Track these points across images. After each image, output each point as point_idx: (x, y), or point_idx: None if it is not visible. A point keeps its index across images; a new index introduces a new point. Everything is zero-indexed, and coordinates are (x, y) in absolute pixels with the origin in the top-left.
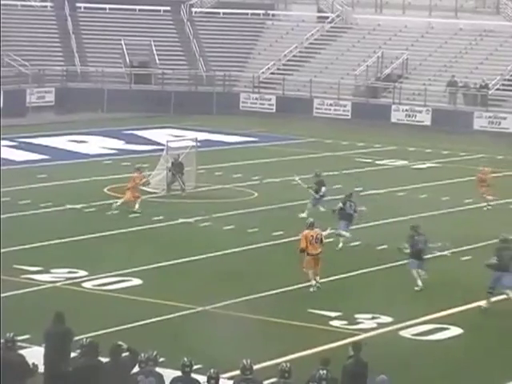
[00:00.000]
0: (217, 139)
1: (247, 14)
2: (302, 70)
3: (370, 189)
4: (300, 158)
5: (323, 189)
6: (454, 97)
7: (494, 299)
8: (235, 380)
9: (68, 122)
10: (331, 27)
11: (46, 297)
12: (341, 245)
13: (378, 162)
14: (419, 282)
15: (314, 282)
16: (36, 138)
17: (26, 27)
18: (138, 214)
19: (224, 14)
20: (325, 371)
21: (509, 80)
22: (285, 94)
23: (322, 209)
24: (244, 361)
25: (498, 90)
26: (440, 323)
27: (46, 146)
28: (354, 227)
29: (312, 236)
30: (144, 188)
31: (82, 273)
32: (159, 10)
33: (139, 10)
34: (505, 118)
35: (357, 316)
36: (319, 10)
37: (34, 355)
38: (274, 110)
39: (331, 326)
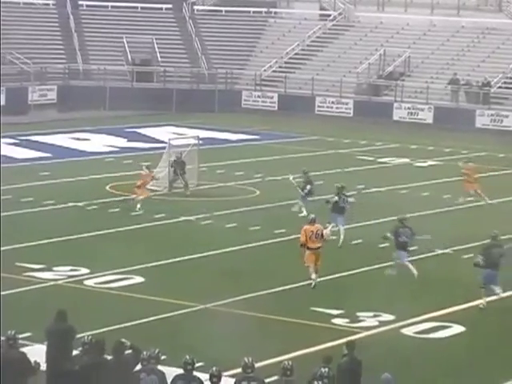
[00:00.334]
0: (219, 137)
1: (249, 11)
2: (304, 68)
3: (371, 187)
4: (302, 155)
5: (308, 187)
6: (456, 95)
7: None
8: (237, 378)
9: (70, 120)
10: (333, 25)
11: (48, 294)
12: (341, 241)
13: (379, 160)
14: (414, 270)
15: (314, 276)
16: (38, 135)
17: (27, 25)
18: (139, 212)
19: (226, 11)
20: (326, 369)
21: (511, 78)
22: (287, 91)
23: (303, 209)
24: (245, 359)
25: (500, 87)
26: (442, 321)
27: (48, 144)
28: (355, 225)
29: (312, 231)
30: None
31: (84, 270)
32: (161, 8)
33: (141, 8)
34: (507, 116)
35: (359, 314)
36: (321, 8)
37: (36, 353)
38: (276, 108)
39: (333, 324)
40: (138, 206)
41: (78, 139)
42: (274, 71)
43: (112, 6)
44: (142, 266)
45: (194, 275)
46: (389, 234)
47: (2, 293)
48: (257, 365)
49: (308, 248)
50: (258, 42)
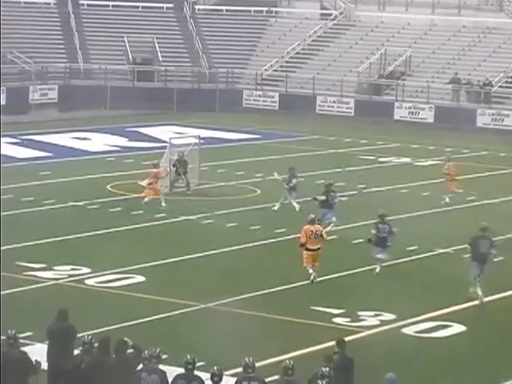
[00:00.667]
0: (220, 136)
1: (250, 11)
2: (305, 68)
3: (372, 186)
4: (303, 155)
5: (294, 181)
6: (457, 94)
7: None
8: (237, 378)
9: (71, 119)
10: (334, 24)
11: (49, 294)
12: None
13: (380, 160)
14: (378, 269)
15: (311, 271)
16: (39, 135)
17: (28, 24)
18: (141, 212)
19: (227, 11)
20: (327, 368)
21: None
22: (288, 91)
23: (294, 204)
24: (246, 359)
25: (500, 87)
26: (443, 320)
27: (49, 143)
28: (355, 225)
29: (311, 231)
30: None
31: (85, 270)
32: (162, 7)
33: (142, 7)
34: (508, 116)
35: (360, 313)
36: (322, 8)
37: (37, 352)
38: (277, 107)
39: (334, 323)
40: (146, 199)
41: (79, 139)
42: (274, 70)
43: (113, 6)
44: (142, 266)
45: (194, 274)
46: (374, 231)
47: (3, 292)
48: (257, 364)
49: (307, 249)
50: (259, 42)
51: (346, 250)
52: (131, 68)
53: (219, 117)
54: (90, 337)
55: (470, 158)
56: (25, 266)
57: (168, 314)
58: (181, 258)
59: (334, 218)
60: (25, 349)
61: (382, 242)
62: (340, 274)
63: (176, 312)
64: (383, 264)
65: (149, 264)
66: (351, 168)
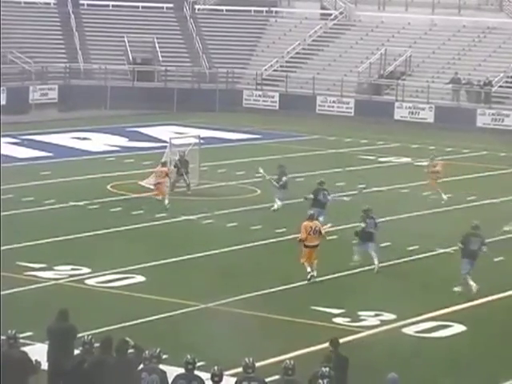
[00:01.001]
0: (220, 136)
1: (250, 11)
2: (305, 68)
3: (373, 186)
4: (303, 155)
5: (284, 178)
6: (457, 94)
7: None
8: (238, 378)
9: (71, 119)
10: (334, 24)
11: (49, 294)
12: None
13: (380, 159)
14: (356, 257)
15: (309, 269)
16: (39, 135)
17: (28, 24)
18: (141, 211)
19: (227, 11)
20: (327, 368)
21: None
22: (288, 91)
23: (278, 203)
24: (246, 359)
25: (501, 87)
26: (443, 320)
27: (49, 143)
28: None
29: (311, 227)
30: (147, 185)
31: (85, 270)
32: (162, 7)
33: (142, 7)
34: (508, 116)
35: (360, 313)
36: (322, 8)
37: (37, 352)
38: (277, 107)
39: (334, 323)
40: (166, 201)
41: (79, 139)
42: (274, 70)
43: (113, 5)
44: (143, 266)
45: (194, 274)
46: (363, 224)
47: (3, 292)
48: (258, 364)
49: (305, 245)
50: (259, 42)
51: (346, 250)
52: (131, 68)
53: (219, 117)
54: (89, 337)
55: (470, 157)
56: (25, 265)
57: (168, 314)
58: (181, 257)
59: (321, 218)
60: (25, 349)
61: (370, 237)
62: (340, 274)
63: (176, 312)
64: (381, 264)
65: (149, 264)
66: (351, 168)
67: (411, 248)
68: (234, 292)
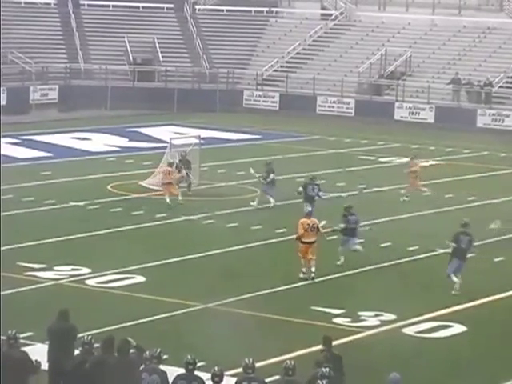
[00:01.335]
0: (220, 137)
1: (250, 11)
2: (306, 68)
3: (373, 186)
4: (303, 155)
5: (271, 176)
6: (458, 94)
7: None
8: (238, 379)
9: (71, 120)
10: (334, 25)
11: (49, 294)
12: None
13: (381, 160)
14: (342, 259)
15: (304, 270)
16: (39, 135)
17: (29, 24)
18: (142, 212)
19: (227, 11)
20: (327, 369)
21: None
22: (288, 91)
23: (271, 199)
24: (246, 359)
25: (501, 87)
26: (443, 321)
27: (50, 144)
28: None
29: (308, 224)
30: (148, 186)
31: (86, 270)
32: (162, 8)
33: (142, 8)
34: (508, 116)
35: (360, 313)
36: (323, 8)
37: (38, 352)
38: (278, 108)
39: (334, 323)
40: (168, 200)
41: (79, 139)
42: (275, 71)
43: (113, 6)
44: (143, 266)
45: (195, 275)
46: (342, 225)
47: (3, 292)
48: (258, 364)
49: (302, 242)
50: (260, 42)
51: (347, 250)
52: (132, 68)
53: (219, 117)
54: (89, 337)
55: (470, 158)
56: (25, 266)
57: (169, 314)
58: (181, 258)
59: (309, 208)
60: (25, 349)
61: (353, 232)
62: (340, 274)
63: (177, 312)
64: (381, 265)
65: (149, 264)
66: (352, 168)
67: (412, 248)
68: (234, 292)
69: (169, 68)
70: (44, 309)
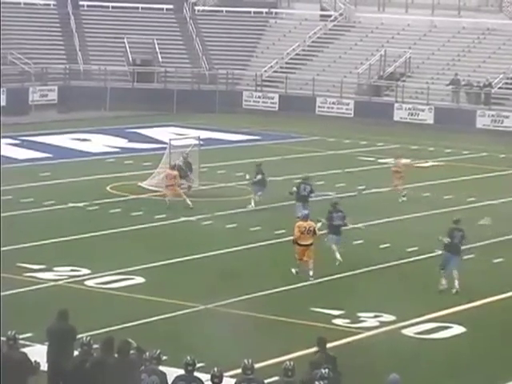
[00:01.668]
0: (219, 137)
1: (250, 12)
2: (305, 69)
3: (372, 187)
4: (303, 156)
5: (258, 176)
6: (457, 95)
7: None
8: (237, 380)
9: (71, 121)
10: (334, 26)
11: (49, 295)
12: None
13: (380, 161)
14: (338, 256)
15: (297, 269)
16: (39, 136)
17: (28, 25)
18: (141, 213)
19: (227, 12)
20: (326, 370)
21: (511, 79)
22: (287, 92)
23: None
24: (245, 360)
25: (500, 88)
26: (443, 322)
27: (49, 145)
28: (355, 226)
29: (305, 227)
30: (146, 186)
31: (85, 271)
32: (162, 9)
33: (142, 9)
34: (507, 117)
35: (359, 314)
36: (322, 9)
37: (37, 353)
38: (277, 109)
39: (334, 324)
40: (167, 199)
41: (79, 140)
42: (274, 72)
43: (113, 7)
44: (142, 267)
45: (194, 276)
46: (323, 220)
47: (3, 293)
48: (258, 365)
49: (298, 244)
50: (259, 43)
51: (346, 251)
52: (131, 69)
53: (219, 118)
54: (88, 338)
55: (469, 159)
56: (25, 267)
57: (168, 315)
58: (181, 259)
59: (305, 211)
60: (25, 350)
61: (336, 229)
62: (340, 275)
63: (176, 313)
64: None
65: (149, 265)
66: (351, 169)
67: (411, 249)
68: (233, 293)
69: (168, 69)
70: (43, 309)
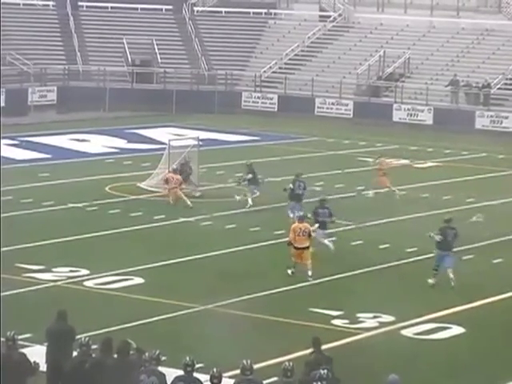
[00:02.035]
0: (218, 138)
1: (249, 12)
2: (304, 69)
3: (371, 188)
4: (302, 156)
5: (248, 175)
6: (456, 96)
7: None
8: (235, 380)
9: (70, 121)
10: (333, 26)
11: (48, 295)
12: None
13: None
14: (327, 242)
15: (292, 269)
16: (38, 136)
17: (28, 26)
18: (140, 213)
19: (226, 12)
20: (325, 370)
21: (510, 79)
22: (287, 92)
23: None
24: (244, 361)
25: (499, 89)
26: (442, 322)
27: (48, 145)
28: (355, 226)
29: (300, 229)
30: (146, 187)
31: (84, 271)
32: (161, 9)
33: (141, 9)
34: (506, 117)
35: (358, 315)
36: (321, 9)
37: (36, 354)
38: (276, 109)
39: (333, 324)
40: (171, 200)
41: (78, 140)
42: (273, 72)
43: (112, 7)
44: (141, 267)
45: (193, 276)
46: (309, 215)
47: (2, 294)
48: (257, 366)
49: (294, 247)
50: (258, 43)
51: (345, 252)
52: (130, 70)
53: (218, 118)
54: (87, 339)
55: (468, 159)
56: (24, 267)
57: (167, 316)
58: (180, 259)
59: (301, 213)
60: (24, 350)
61: (322, 225)
62: (339, 276)
63: (175, 314)
64: (380, 266)
65: (148, 265)
66: (350, 170)
67: (410, 250)
68: (232, 294)
69: (167, 69)
70: (42, 310)
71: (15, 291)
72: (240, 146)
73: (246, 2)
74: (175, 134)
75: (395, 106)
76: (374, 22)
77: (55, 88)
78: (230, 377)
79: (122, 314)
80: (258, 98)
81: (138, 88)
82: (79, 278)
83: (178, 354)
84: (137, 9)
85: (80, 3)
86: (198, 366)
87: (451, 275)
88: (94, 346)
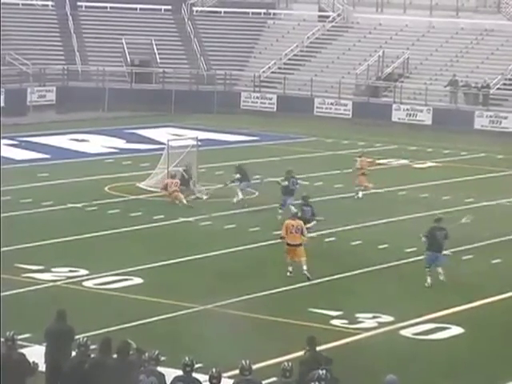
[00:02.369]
0: (218, 138)
1: (248, 12)
2: (303, 69)
3: (371, 188)
4: (301, 156)
5: (236, 175)
6: (455, 96)
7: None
8: (235, 381)
9: (69, 121)
10: (332, 26)
11: (47, 296)
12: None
13: (378, 161)
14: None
15: (290, 269)
16: (37, 136)
17: (27, 26)
18: (139, 213)
19: (225, 12)
20: (324, 371)
21: (510, 79)
22: (286, 93)
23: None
24: (243, 361)
25: (498, 89)
26: (441, 322)
27: (47, 145)
28: (354, 227)
29: (292, 225)
30: (145, 187)
31: (83, 272)
32: (160, 9)
33: (140, 9)
34: (506, 118)
35: (358, 315)
36: (320, 9)
37: (35, 354)
38: (275, 109)
39: (332, 325)
40: (184, 201)
41: (77, 140)
42: (272, 72)
43: (111, 7)
44: (140, 267)
45: (193, 276)
46: (295, 210)
47: (1, 294)
48: (256, 366)
49: (288, 244)
50: (257, 43)
51: (345, 252)
52: (129, 70)
53: (217, 119)
54: (85, 339)
55: (467, 160)
56: (23, 267)
57: (166, 316)
58: (179, 259)
59: (292, 208)
60: (23, 350)
61: (305, 222)
62: (338, 276)
63: (174, 314)
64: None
65: (147, 266)
66: (349, 170)
67: (409, 250)
68: (232, 294)
69: (166, 70)
70: (41, 310)
71: (15, 291)
72: (239, 146)
73: (245, 2)
74: (174, 134)
75: (394, 106)
76: (373, 22)
77: (54, 88)
78: (230, 377)
79: (121, 314)
80: (257, 98)
81: (137, 88)
82: (78, 278)
83: (178, 354)
84: (136, 9)
85: (79, 3)
86: (197, 366)
87: (440, 270)
88: (92, 346)
